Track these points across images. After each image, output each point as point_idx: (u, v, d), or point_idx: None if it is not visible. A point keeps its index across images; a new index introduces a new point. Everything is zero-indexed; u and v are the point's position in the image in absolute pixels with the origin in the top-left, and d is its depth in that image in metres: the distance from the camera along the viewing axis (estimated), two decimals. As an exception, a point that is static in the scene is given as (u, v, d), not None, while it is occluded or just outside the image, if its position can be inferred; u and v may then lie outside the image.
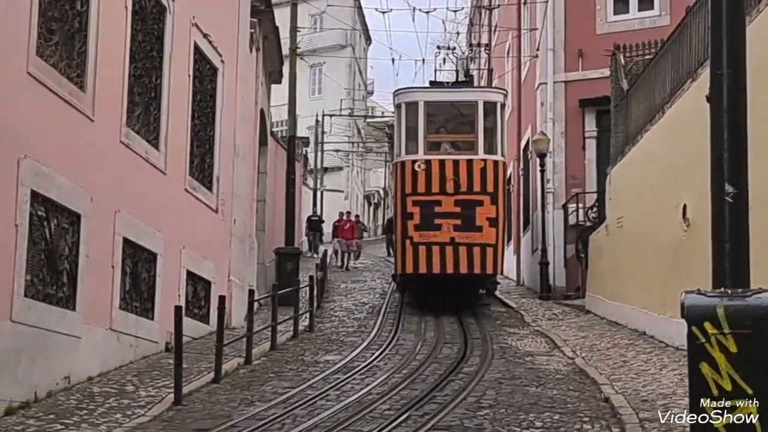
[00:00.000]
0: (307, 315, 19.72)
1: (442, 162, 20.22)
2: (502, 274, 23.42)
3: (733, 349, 5.78)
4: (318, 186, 53.32)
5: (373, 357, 15.66)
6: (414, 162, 20.31)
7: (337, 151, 60.85)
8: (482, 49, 38.31)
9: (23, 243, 11.06)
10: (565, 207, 26.19)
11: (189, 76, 16.73)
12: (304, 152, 43.80)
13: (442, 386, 12.60)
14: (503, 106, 21.83)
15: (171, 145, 15.76)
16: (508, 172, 28.47)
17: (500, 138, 21.31)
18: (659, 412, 10.41)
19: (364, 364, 14.91)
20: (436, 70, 36.30)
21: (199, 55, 17.23)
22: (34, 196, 11.32)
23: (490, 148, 20.69)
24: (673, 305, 14.33)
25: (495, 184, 20.34)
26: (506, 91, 25.90)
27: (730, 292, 5.98)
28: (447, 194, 20.00)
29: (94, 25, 12.87)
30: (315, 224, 36.12)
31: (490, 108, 21.04)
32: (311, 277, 21.62)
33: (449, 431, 9.83)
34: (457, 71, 35.98)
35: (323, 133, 55.12)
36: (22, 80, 11.06)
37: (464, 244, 19.91)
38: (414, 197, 20.28)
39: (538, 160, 26.22)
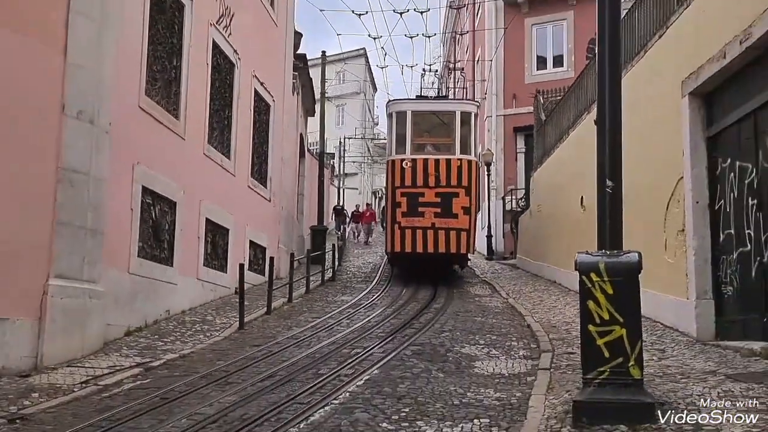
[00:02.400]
0: (330, 270, 19.65)
1: (425, 160, 17.82)
2: (473, 253, 20.48)
3: (610, 291, 5.73)
4: (341, 185, 53.16)
5: (373, 298, 15.61)
6: (402, 160, 17.92)
7: (354, 162, 60.89)
8: (458, 71, 33.98)
9: (136, 221, 11.01)
10: (503, 198, 26.49)
11: (250, 110, 16.58)
12: (331, 163, 43.61)
13: (418, 317, 12.56)
14: (476, 115, 19.29)
15: (238, 156, 15.62)
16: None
17: (474, 141, 18.76)
18: (562, 332, 10.43)
19: (367, 302, 14.85)
20: (421, 87, 32.51)
21: (257, 96, 17.07)
22: (144, 189, 11.24)
23: (464, 150, 18.10)
24: (572, 263, 14.41)
25: (469, 179, 17.76)
26: (479, 103, 22.69)
27: (608, 252, 5.96)
28: (429, 187, 17.55)
29: (185, 76, 12.76)
30: (339, 212, 35.97)
31: (465, 117, 18.47)
32: (333, 245, 21.56)
33: (422, 347, 9.75)
34: (438, 89, 36.97)
35: (344, 150, 55.03)
36: (135, 112, 10.98)
37: (443, 228, 17.45)
38: (402, 189, 17.79)
39: (485, 167, 26.25)
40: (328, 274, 19.21)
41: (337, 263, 21.28)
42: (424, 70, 31.81)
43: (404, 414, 6.51)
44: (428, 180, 17.64)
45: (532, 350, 9.56)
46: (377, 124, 78.81)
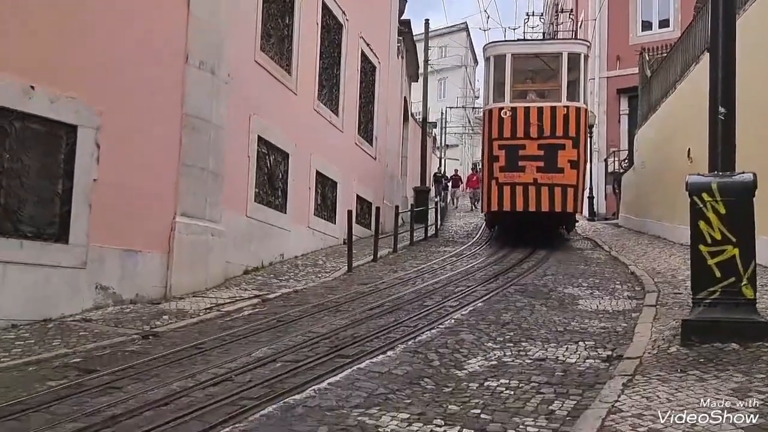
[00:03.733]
0: (433, 227, 19.60)
1: (527, 109, 15.12)
2: (581, 213, 17.30)
3: (722, 211, 5.47)
4: (442, 156, 53.02)
5: (475, 249, 15.50)
6: (501, 109, 15.24)
7: (455, 134, 60.61)
8: (567, 14, 28.65)
9: (253, 168, 11.31)
10: (605, 161, 25.73)
11: (357, 70, 16.65)
12: (433, 132, 43.42)
13: (520, 264, 12.38)
14: (586, 57, 16.13)
15: (346, 114, 15.76)
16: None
17: (583, 87, 15.80)
18: (668, 277, 10.04)
19: (469, 252, 14.79)
20: (524, 33, 25.40)
21: (363, 57, 17.13)
22: (260, 139, 11.52)
23: (572, 96, 15.38)
24: (680, 216, 13.83)
25: (577, 129, 15.07)
26: (590, 43, 18.23)
27: (720, 173, 5.69)
28: (531, 138, 14.97)
29: (297, 34, 12.94)
30: (438, 179, 35.71)
31: (573, 58, 15.59)
32: (436, 203, 21.50)
33: (524, 287, 9.64)
34: (543, 34, 30.76)
35: (446, 121, 54.83)
36: (251, 65, 11.23)
37: (546, 184, 14.88)
38: (500, 141, 15.23)
39: (588, 146, 25.51)
40: (431, 231, 19.18)
41: (439, 223, 21.20)
42: (527, 14, 25.22)
43: (509, 337, 6.48)
44: (530, 130, 15.04)
45: (637, 292, 9.25)
46: (478, 98, 78.05)
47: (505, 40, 17.24)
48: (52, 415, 4.49)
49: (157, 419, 4.34)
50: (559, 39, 21.37)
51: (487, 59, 16.35)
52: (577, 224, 19.58)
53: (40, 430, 4.21)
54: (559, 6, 31.21)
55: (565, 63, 15.44)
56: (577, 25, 28.88)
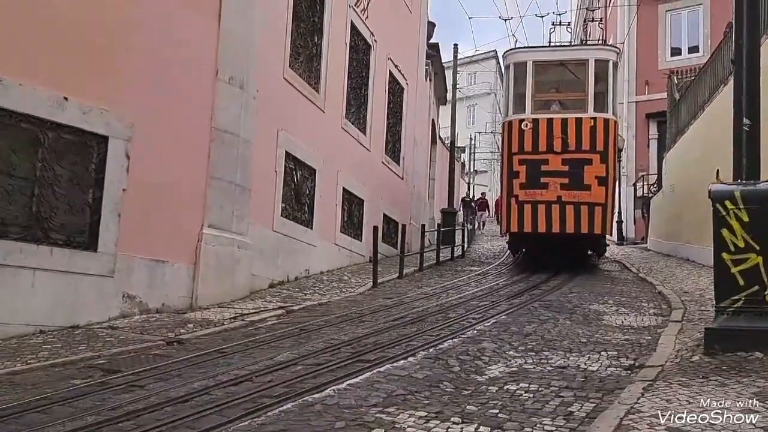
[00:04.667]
0: (460, 248, 19.53)
1: (549, 120, 13.78)
2: (610, 234, 15.57)
3: (745, 219, 5.44)
4: (471, 181, 53.06)
5: (501, 269, 15.43)
6: (521, 121, 13.92)
7: (484, 159, 60.61)
8: (597, 23, 26.88)
9: (280, 183, 11.42)
10: (634, 185, 25.52)
11: (385, 91, 16.81)
12: (462, 158, 43.46)
13: (546, 282, 12.30)
14: (615, 64, 14.61)
15: (373, 133, 15.87)
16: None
17: (612, 96, 14.33)
18: (695, 296, 9.91)
19: (495, 272, 14.72)
20: (550, 42, 20.21)
21: (392, 78, 17.29)
22: (287, 155, 11.65)
23: (600, 107, 13.95)
24: (708, 239, 13.63)
25: (605, 143, 13.60)
26: (619, 50, 16.33)
27: (744, 182, 5.68)
28: (554, 152, 13.58)
29: (326, 53, 13.12)
30: (467, 203, 35.62)
31: (601, 66, 14.12)
32: (463, 224, 21.46)
33: (549, 302, 9.57)
34: (571, 41, 28.07)
35: (474, 146, 54.92)
36: (280, 82, 11.40)
37: (571, 203, 13.45)
38: (520, 156, 13.84)
39: (618, 161, 25.35)
40: (458, 252, 19.13)
41: (466, 245, 21.14)
42: (553, 23, 20.57)
43: (531, 346, 6.44)
44: (553, 144, 13.65)
45: (663, 310, 9.15)
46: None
47: (527, 47, 15.76)
48: (75, 409, 4.57)
49: (177, 413, 4.40)
50: (586, 44, 19.21)
51: (506, 67, 15.05)
52: (608, 248, 18.15)
53: (63, 422, 4.29)
54: (587, 18, 29.97)
55: (592, 70, 14.07)
56: (606, 34, 27.75)
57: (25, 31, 7.31)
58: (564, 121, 13.80)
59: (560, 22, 18.79)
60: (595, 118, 13.74)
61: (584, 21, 29.95)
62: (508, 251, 19.58)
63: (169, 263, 8.95)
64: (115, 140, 8.17)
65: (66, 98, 7.62)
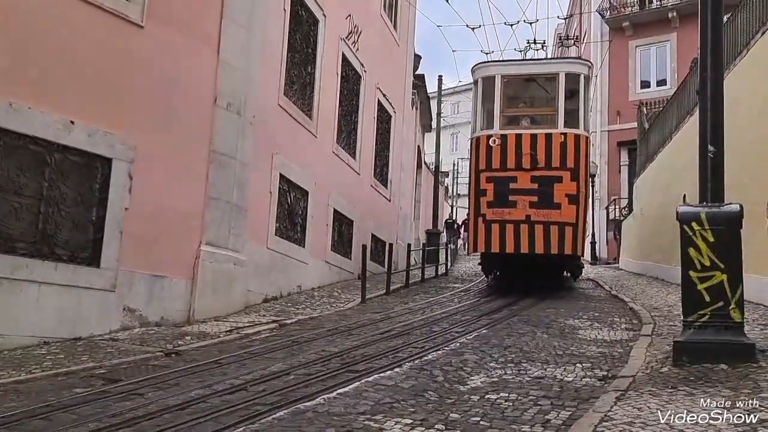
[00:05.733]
0: (444, 267, 19.53)
1: (518, 136, 12.63)
2: (582, 254, 14.07)
3: (711, 239, 5.49)
4: (454, 204, 53.32)
5: (483, 286, 15.41)
6: (489, 137, 12.76)
7: (467, 184, 61.10)
8: (572, 42, 25.33)
9: (274, 203, 11.42)
10: (607, 208, 25.77)
11: (374, 118, 16.88)
12: (445, 182, 43.56)
13: (524, 299, 12.30)
14: (587, 78, 13.27)
15: (363, 158, 15.92)
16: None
17: (583, 111, 13.03)
18: (664, 312, 9.96)
19: (476, 289, 14.70)
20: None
21: (380, 106, 17.37)
22: (281, 177, 11.66)
23: (571, 122, 12.76)
24: (677, 258, 13.72)
25: (576, 160, 12.42)
26: (591, 63, 14.48)
27: (709, 204, 5.75)
28: (523, 170, 12.42)
29: (318, 82, 13.17)
30: (450, 225, 35.71)
31: (572, 80, 12.93)
32: (447, 244, 21.48)
33: (527, 317, 9.59)
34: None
35: (458, 171, 55.24)
36: (275, 108, 11.44)
37: (541, 222, 12.27)
38: (488, 173, 12.65)
39: (590, 179, 25.55)
40: (441, 270, 19.13)
41: (449, 264, 21.14)
42: (528, 41, 18.75)
43: (510, 358, 6.45)
44: (522, 161, 12.47)
45: (634, 325, 9.17)
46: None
47: (496, 60, 14.53)
48: (77, 416, 4.53)
49: (175, 420, 4.37)
50: (557, 58, 16.70)
51: (475, 82, 13.70)
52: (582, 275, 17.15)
53: (65, 428, 4.25)
54: (563, 36, 28.90)
55: (563, 85, 12.86)
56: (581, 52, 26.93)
57: (34, 57, 7.32)
58: (533, 137, 12.68)
59: (535, 40, 16.77)
60: (565, 134, 12.60)
61: (559, 39, 29.43)
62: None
63: (168, 278, 8.91)
64: (119, 162, 8.16)
65: (72, 122, 7.63)
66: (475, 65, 13.73)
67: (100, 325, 7.93)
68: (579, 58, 17.72)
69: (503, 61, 14.40)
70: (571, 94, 13.12)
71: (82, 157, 7.82)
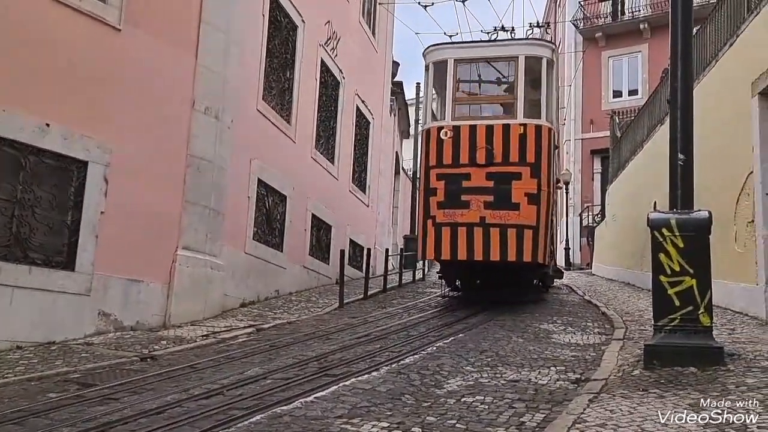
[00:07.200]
0: (421, 272, 19.51)
1: (472, 128, 10.89)
2: (545, 263, 11.56)
3: (681, 245, 5.56)
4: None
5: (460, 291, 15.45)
6: (440, 129, 11.04)
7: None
8: (542, 29, 21.87)
9: (252, 208, 11.37)
10: (580, 215, 25.99)
11: (352, 123, 16.87)
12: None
13: (499, 304, 12.34)
14: (551, 62, 11.33)
15: (341, 163, 15.89)
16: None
17: (545, 99, 11.13)
18: (635, 316, 10.06)
19: (452, 294, 14.74)
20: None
21: (359, 112, 17.37)
22: (259, 181, 11.62)
23: (532, 111, 11.01)
24: (647, 264, 13.85)
25: (537, 154, 10.68)
26: (555, 46, 13.31)
27: (679, 211, 5.82)
28: (477, 165, 10.67)
29: (297, 88, 13.16)
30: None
31: (533, 63, 11.14)
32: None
33: (503, 321, 9.63)
34: None
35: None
36: (253, 113, 11.40)
37: (497, 225, 10.52)
38: (438, 170, 10.92)
39: (564, 186, 25.79)
40: (419, 275, 19.13)
41: (426, 269, 21.13)
42: (495, 28, 13.28)
43: (486, 362, 6.47)
44: (476, 156, 10.71)
45: (606, 329, 9.24)
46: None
47: (450, 43, 12.46)
48: (51, 421, 4.46)
49: (151, 425, 4.31)
50: (517, 39, 13.30)
51: (426, 67, 11.78)
52: (560, 281, 16.28)
53: (38, 433, 4.18)
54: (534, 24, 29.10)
55: (523, 69, 11.10)
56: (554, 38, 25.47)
57: (9, 60, 7.23)
58: (489, 129, 10.91)
59: (503, 27, 13.59)
60: (525, 125, 10.84)
61: (530, 27, 28.50)
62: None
63: (144, 283, 8.82)
64: (95, 165, 8.07)
65: (48, 124, 7.53)
66: (427, 48, 11.81)
67: (74, 330, 7.83)
68: (542, 39, 15.54)
69: (458, 43, 12.38)
70: (533, 80, 11.42)
71: (57, 161, 7.73)
